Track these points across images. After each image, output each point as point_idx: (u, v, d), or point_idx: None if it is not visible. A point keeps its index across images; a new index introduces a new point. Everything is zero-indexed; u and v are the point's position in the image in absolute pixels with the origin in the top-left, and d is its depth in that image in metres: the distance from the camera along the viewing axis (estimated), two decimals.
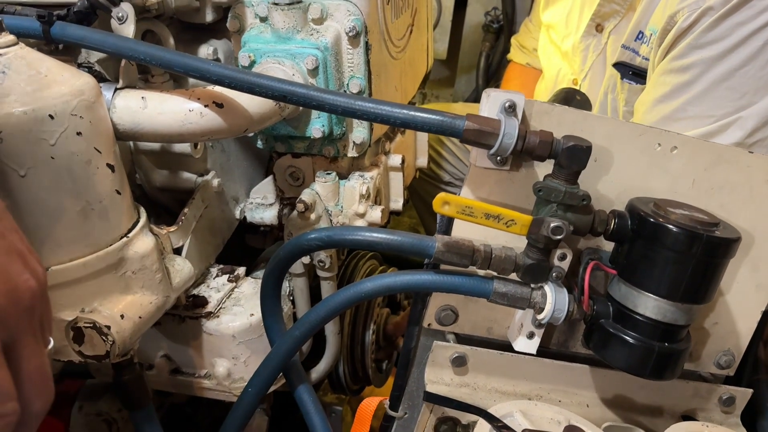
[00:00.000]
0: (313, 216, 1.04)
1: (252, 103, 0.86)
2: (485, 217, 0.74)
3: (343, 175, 1.10)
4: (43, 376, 0.52)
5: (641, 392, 0.91)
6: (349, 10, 0.96)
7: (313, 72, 0.95)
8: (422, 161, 1.51)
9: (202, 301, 1.01)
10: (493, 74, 2.58)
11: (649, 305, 0.75)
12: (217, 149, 1.10)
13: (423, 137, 1.49)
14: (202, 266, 1.06)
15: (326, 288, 1.14)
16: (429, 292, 0.86)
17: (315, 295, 1.16)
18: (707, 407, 0.93)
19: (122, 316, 0.78)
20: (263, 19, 0.98)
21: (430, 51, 1.49)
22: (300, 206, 1.02)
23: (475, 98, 2.59)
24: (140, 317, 0.80)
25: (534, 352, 0.83)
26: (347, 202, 1.09)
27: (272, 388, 0.97)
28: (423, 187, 1.98)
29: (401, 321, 1.39)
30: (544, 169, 0.79)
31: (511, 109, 0.74)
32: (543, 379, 0.89)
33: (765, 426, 0.97)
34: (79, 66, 0.92)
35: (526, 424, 0.78)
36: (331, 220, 1.09)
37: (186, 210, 0.98)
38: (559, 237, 0.72)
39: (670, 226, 0.72)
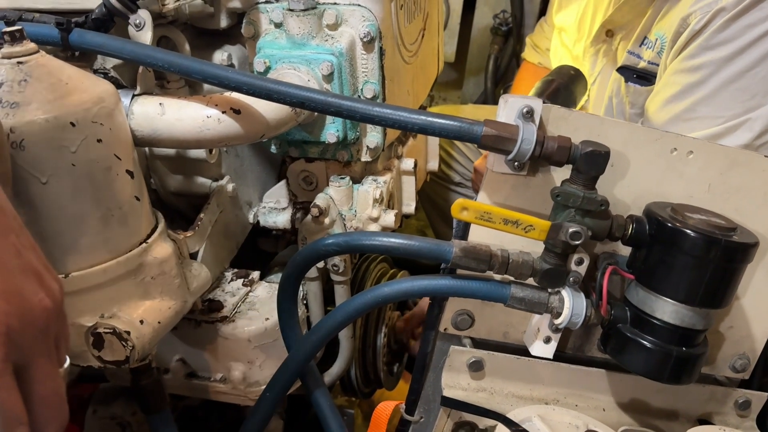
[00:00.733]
0: (327, 220, 1.04)
1: (268, 109, 0.87)
2: (504, 222, 0.74)
3: (356, 180, 1.11)
4: (56, 399, 0.51)
5: (657, 396, 0.91)
6: (363, 15, 0.97)
7: (329, 77, 0.96)
8: (433, 165, 1.51)
9: (218, 306, 1.01)
10: (502, 77, 2.58)
11: (666, 310, 0.75)
12: (231, 154, 1.10)
13: (434, 141, 1.50)
14: (217, 270, 1.06)
15: (340, 292, 1.14)
16: (446, 297, 0.86)
17: (327, 299, 1.17)
18: (723, 411, 0.93)
19: (141, 322, 0.79)
20: (278, 25, 0.99)
21: (440, 54, 1.49)
22: (314, 211, 1.03)
23: (484, 101, 2.59)
24: (159, 322, 0.81)
25: (551, 357, 0.83)
26: (361, 207, 1.09)
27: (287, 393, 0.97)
28: (432, 188, 1.98)
29: (409, 318, 1.39)
30: (561, 174, 0.79)
31: (528, 114, 0.74)
32: (559, 384, 0.89)
33: None
34: (95, 72, 0.93)
35: (545, 429, 0.78)
36: (344, 225, 1.09)
37: (202, 215, 0.98)
38: (577, 242, 0.72)
39: (689, 231, 0.72)
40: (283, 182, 1.16)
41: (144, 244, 0.80)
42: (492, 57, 2.57)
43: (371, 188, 1.09)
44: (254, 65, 0.98)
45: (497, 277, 0.80)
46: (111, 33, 0.84)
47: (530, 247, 0.80)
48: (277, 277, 1.17)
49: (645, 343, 0.76)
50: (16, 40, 0.69)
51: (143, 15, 0.85)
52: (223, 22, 1.01)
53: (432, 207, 2.07)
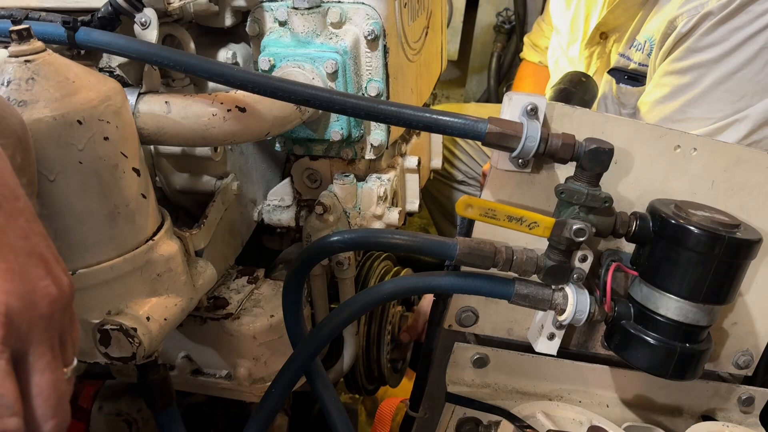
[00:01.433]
0: (331, 218, 1.05)
1: (273, 107, 0.87)
2: (508, 219, 0.74)
3: (360, 177, 1.11)
4: (57, 393, 0.47)
5: (661, 392, 0.91)
6: (367, 13, 0.97)
7: (333, 75, 0.96)
8: (437, 163, 1.52)
9: (223, 303, 1.02)
10: (505, 75, 2.58)
11: (670, 306, 0.76)
12: (236, 152, 1.11)
13: (437, 139, 1.50)
14: (222, 268, 1.07)
15: (345, 289, 1.14)
16: (450, 293, 0.86)
17: (331, 297, 1.17)
18: (726, 407, 0.93)
19: (148, 318, 0.79)
20: (282, 24, 0.99)
21: (443, 53, 1.50)
22: (319, 208, 1.03)
23: (487, 99, 2.60)
24: (166, 319, 0.81)
25: (554, 353, 0.83)
26: (365, 204, 1.10)
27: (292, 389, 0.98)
28: (436, 186, 1.99)
29: (413, 324, 1.39)
30: (564, 171, 0.79)
31: (533, 112, 0.74)
32: (563, 380, 0.90)
33: None
34: (101, 71, 0.93)
35: (549, 425, 0.79)
36: (349, 222, 1.10)
37: (207, 213, 0.99)
38: (581, 239, 0.73)
39: (692, 228, 0.72)
40: (287, 180, 1.16)
41: (150, 242, 0.80)
42: (495, 55, 2.57)
43: (375, 186, 1.09)
44: (259, 63, 0.99)
45: (501, 274, 0.81)
46: (117, 31, 0.85)
47: (534, 244, 0.81)
48: (281, 275, 1.17)
49: (649, 339, 0.77)
50: (23, 38, 0.69)
51: (149, 13, 0.86)
52: (228, 21, 1.02)
53: (435, 205, 2.07)
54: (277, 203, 1.17)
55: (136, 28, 0.87)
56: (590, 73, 1.57)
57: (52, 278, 0.48)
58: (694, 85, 1.24)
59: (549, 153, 0.74)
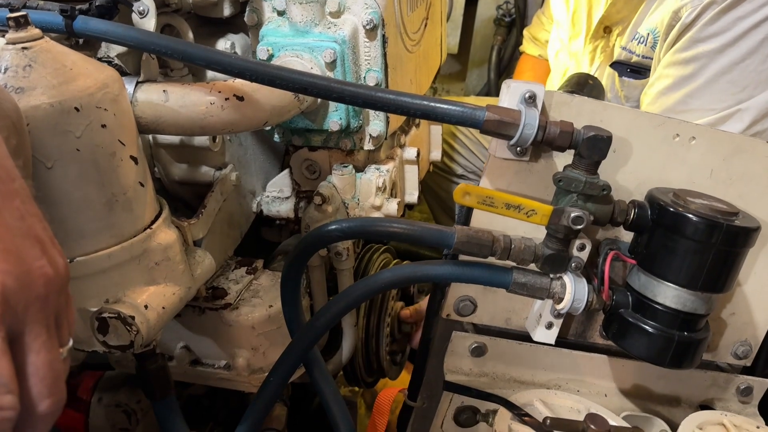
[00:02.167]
0: (330, 208, 1.05)
1: (272, 96, 0.87)
2: (506, 207, 0.74)
3: (359, 168, 1.11)
4: (52, 373, 0.47)
5: (659, 382, 0.91)
6: (366, 3, 0.97)
7: (331, 65, 0.96)
8: (436, 155, 1.51)
9: (222, 293, 1.02)
10: (505, 68, 2.57)
11: (668, 294, 0.76)
12: (235, 143, 1.11)
13: (437, 131, 1.50)
14: (221, 259, 1.07)
15: (343, 280, 1.15)
16: (448, 282, 0.86)
17: (329, 290, 1.17)
18: (725, 397, 0.93)
19: (146, 307, 0.79)
20: (281, 13, 0.99)
21: (443, 44, 1.49)
22: (317, 199, 1.03)
23: (487, 92, 2.59)
24: (164, 308, 0.81)
25: (552, 343, 0.83)
26: (364, 195, 1.10)
27: (291, 379, 0.98)
28: (435, 180, 1.99)
29: (416, 309, 1.39)
30: (563, 159, 0.79)
31: (531, 99, 0.74)
32: (561, 369, 0.90)
33: None
34: (99, 60, 0.93)
35: (546, 413, 0.79)
36: (347, 213, 1.10)
37: (206, 203, 0.99)
38: (579, 227, 0.73)
39: (691, 216, 0.72)
40: (286, 171, 1.16)
41: (148, 230, 0.80)
42: (495, 48, 2.56)
43: (374, 177, 1.09)
44: (257, 53, 0.98)
45: (499, 262, 0.81)
46: (115, 21, 0.85)
47: (532, 233, 0.81)
48: (280, 266, 1.17)
49: (647, 327, 0.77)
50: (20, 25, 0.69)
51: (147, 2, 0.86)
52: (227, 11, 1.01)
53: (434, 198, 2.07)
54: (275, 194, 1.17)
55: (135, 17, 0.87)
56: (594, 66, 1.56)
57: (47, 259, 0.48)
58: (697, 75, 1.24)
59: (547, 141, 0.74)
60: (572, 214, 0.73)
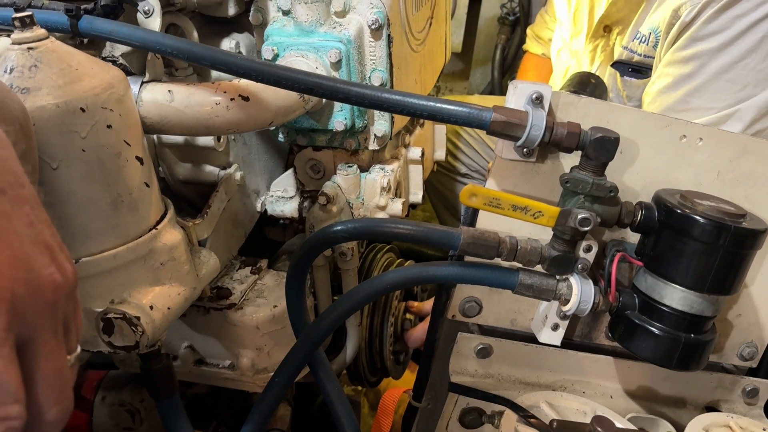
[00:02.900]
0: (335, 208, 1.05)
1: (277, 96, 0.87)
2: (512, 208, 0.74)
3: (363, 168, 1.11)
4: (60, 380, 0.47)
5: (665, 383, 0.91)
6: (371, 2, 0.96)
7: (336, 65, 0.96)
8: (440, 154, 1.51)
9: (226, 293, 1.02)
10: (509, 67, 2.57)
11: (675, 296, 0.75)
12: (239, 142, 1.10)
13: (441, 130, 1.49)
14: (225, 258, 1.07)
15: (348, 280, 1.14)
16: (454, 284, 0.86)
17: (334, 290, 1.17)
18: (731, 399, 0.93)
19: (151, 307, 0.79)
20: (286, 13, 0.99)
21: (447, 44, 1.49)
22: (322, 199, 1.03)
23: (490, 91, 2.59)
24: (169, 308, 0.81)
25: (558, 344, 0.83)
26: (368, 195, 1.09)
27: (296, 379, 0.98)
28: (439, 179, 1.99)
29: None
30: (569, 161, 0.79)
31: (538, 100, 0.74)
32: (567, 371, 0.89)
33: None
34: (104, 60, 0.93)
35: (552, 415, 0.78)
36: (352, 213, 1.09)
37: (210, 203, 0.99)
38: (586, 228, 0.72)
39: (698, 218, 0.72)
40: (290, 171, 1.16)
41: (154, 231, 0.80)
42: (499, 47, 2.56)
43: (379, 177, 1.09)
44: (262, 53, 0.98)
45: (505, 264, 0.80)
46: (120, 20, 0.84)
47: (538, 234, 0.81)
48: (284, 266, 1.17)
49: (653, 329, 0.77)
50: (26, 25, 0.69)
51: (152, 2, 0.85)
52: (231, 10, 1.01)
53: (438, 198, 2.07)
54: (280, 194, 1.17)
55: (140, 16, 0.87)
56: (594, 66, 1.56)
57: (56, 266, 0.47)
58: (697, 74, 1.24)
59: (554, 142, 0.73)
60: (579, 216, 0.72)
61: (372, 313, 1.28)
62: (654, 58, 1.38)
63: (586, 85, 1.39)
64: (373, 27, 0.97)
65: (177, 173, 1.04)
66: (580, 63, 1.62)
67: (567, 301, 0.77)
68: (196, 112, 0.83)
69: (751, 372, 0.94)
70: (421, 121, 1.37)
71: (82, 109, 0.69)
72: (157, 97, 0.84)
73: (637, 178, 0.82)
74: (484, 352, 0.88)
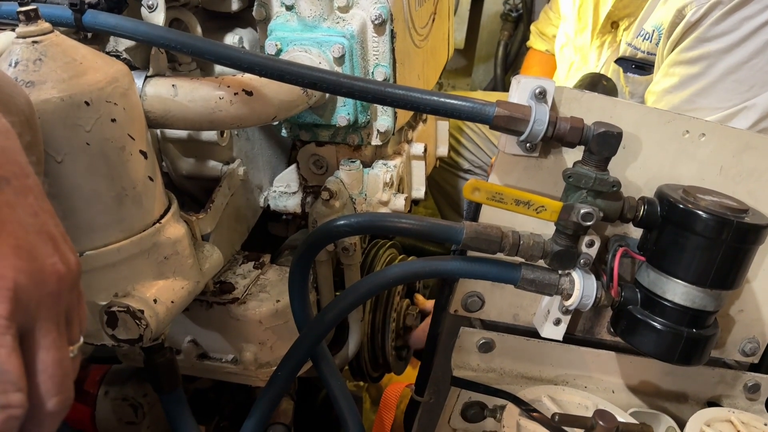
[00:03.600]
0: (337, 204, 1.05)
1: (280, 91, 0.87)
2: (515, 203, 0.74)
3: (366, 164, 1.11)
4: (61, 371, 0.47)
5: (666, 379, 0.91)
6: None
7: (340, 60, 0.96)
8: (443, 150, 1.51)
9: (229, 287, 1.02)
10: (512, 64, 2.57)
11: (677, 291, 0.75)
12: (242, 137, 1.11)
13: (444, 126, 1.50)
14: (228, 253, 1.07)
15: (350, 275, 1.15)
16: (456, 278, 0.86)
17: (336, 283, 1.17)
18: (732, 394, 0.93)
19: (155, 301, 0.79)
20: (289, 8, 0.99)
21: (450, 40, 1.49)
22: (325, 194, 1.03)
23: (493, 88, 2.59)
24: (173, 302, 0.81)
25: (560, 339, 0.83)
26: (371, 190, 1.09)
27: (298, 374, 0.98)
28: (441, 175, 1.99)
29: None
30: (572, 156, 0.79)
31: (541, 95, 0.74)
32: (569, 366, 0.90)
33: None
34: (108, 54, 0.93)
35: (554, 409, 0.79)
36: (355, 208, 1.10)
37: (213, 197, 0.99)
38: (589, 223, 0.73)
39: (701, 212, 0.72)
40: (293, 166, 1.16)
41: (157, 224, 0.80)
42: (502, 43, 2.56)
43: (381, 172, 1.09)
44: (265, 48, 0.98)
45: (508, 259, 0.81)
46: (124, 15, 0.85)
47: (541, 229, 0.81)
48: (287, 261, 1.18)
49: (655, 324, 0.77)
50: (30, 19, 0.69)
51: None
52: (235, 5, 1.01)
53: (441, 194, 2.07)
54: (283, 189, 1.17)
55: (143, 11, 0.87)
56: (601, 62, 1.56)
57: (59, 256, 0.48)
58: (704, 75, 1.25)
59: (557, 137, 0.73)
60: (582, 211, 0.72)
61: (374, 309, 1.28)
62: (656, 55, 1.38)
63: (596, 86, 1.40)
64: (376, 22, 0.97)
65: (180, 168, 1.05)
66: (585, 59, 1.62)
67: (569, 296, 0.78)
68: (199, 107, 0.83)
69: (753, 367, 0.95)
70: (424, 117, 1.37)
71: (87, 103, 0.70)
72: (161, 91, 0.84)
73: (639, 173, 0.82)
74: (487, 347, 0.88)
